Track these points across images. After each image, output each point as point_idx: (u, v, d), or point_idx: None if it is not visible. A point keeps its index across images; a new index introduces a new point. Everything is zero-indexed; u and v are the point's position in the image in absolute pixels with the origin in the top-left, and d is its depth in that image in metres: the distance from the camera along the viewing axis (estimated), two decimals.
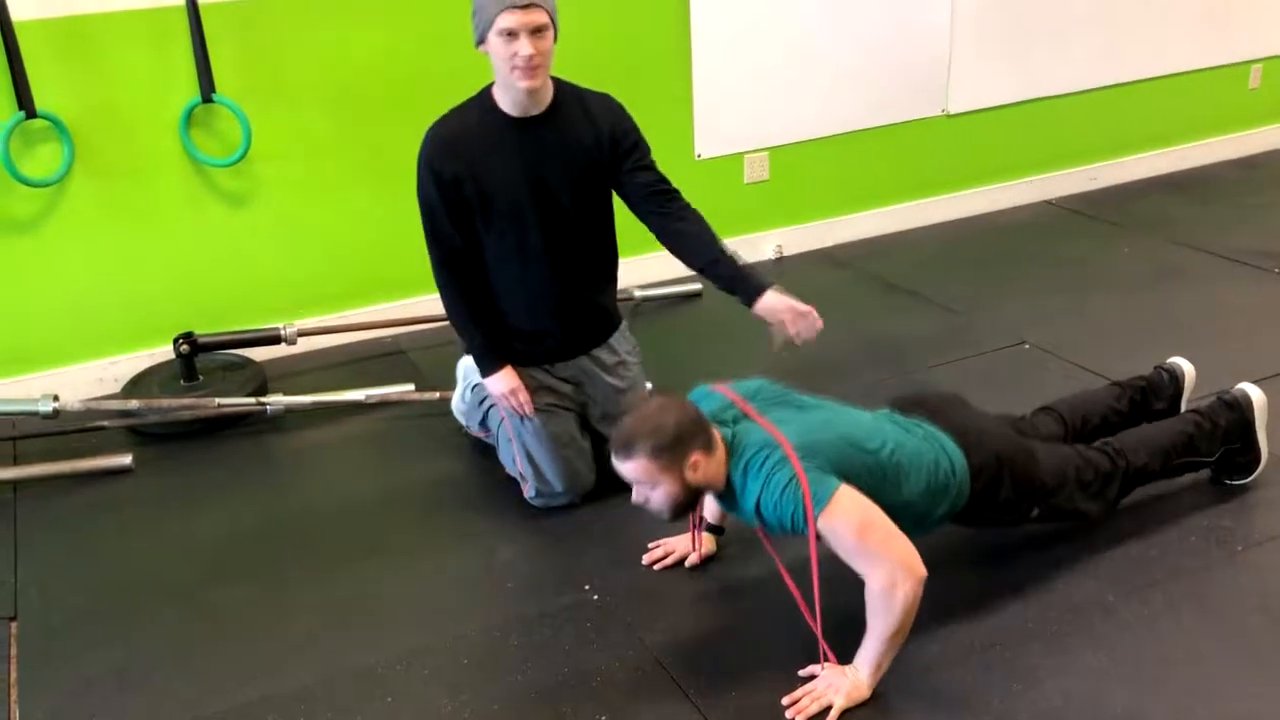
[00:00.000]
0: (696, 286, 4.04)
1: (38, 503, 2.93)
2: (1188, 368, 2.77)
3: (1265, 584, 2.36)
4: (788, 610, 2.17)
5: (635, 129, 2.70)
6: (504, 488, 2.85)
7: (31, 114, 3.18)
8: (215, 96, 3.37)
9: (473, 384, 2.98)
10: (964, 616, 2.28)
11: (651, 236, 2.74)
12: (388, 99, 3.62)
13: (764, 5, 4.08)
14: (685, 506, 2.14)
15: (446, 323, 2.87)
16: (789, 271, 4.29)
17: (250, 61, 3.44)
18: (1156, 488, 2.58)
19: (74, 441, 3.20)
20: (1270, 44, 5.24)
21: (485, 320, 2.72)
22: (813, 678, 2.12)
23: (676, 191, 2.73)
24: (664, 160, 2.75)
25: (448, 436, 3.15)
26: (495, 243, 2.66)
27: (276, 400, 3.27)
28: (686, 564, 2.51)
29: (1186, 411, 2.69)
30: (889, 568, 1.98)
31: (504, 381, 2.70)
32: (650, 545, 2.57)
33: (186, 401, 3.22)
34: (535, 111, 2.58)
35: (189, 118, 3.40)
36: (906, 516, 2.11)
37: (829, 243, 4.52)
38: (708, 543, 2.52)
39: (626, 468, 2.08)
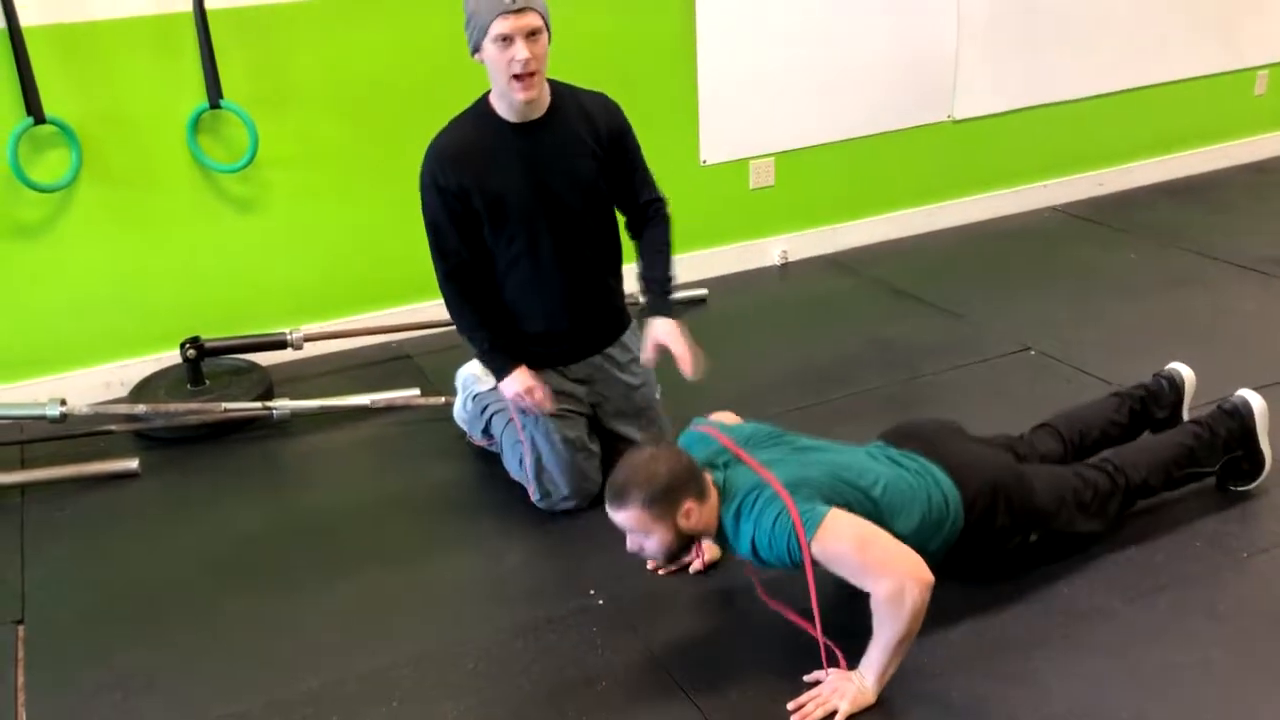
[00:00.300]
0: (701, 292, 4.04)
1: (45, 506, 2.94)
2: (1187, 374, 2.77)
3: (1271, 590, 2.36)
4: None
5: (629, 127, 2.71)
6: (510, 492, 2.86)
7: (40, 120, 3.20)
8: (223, 102, 3.38)
9: (473, 394, 2.99)
10: (969, 622, 2.28)
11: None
12: (395, 104, 3.63)
13: (769, 11, 4.08)
14: (679, 553, 2.21)
15: (452, 327, 2.88)
16: (794, 277, 4.28)
17: (258, 67, 3.45)
18: (1161, 494, 2.58)
19: (81, 445, 3.21)
20: (1276, 51, 5.24)
21: (495, 325, 2.72)
22: (818, 683, 2.12)
23: (660, 198, 2.78)
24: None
25: (453, 441, 3.16)
26: (505, 249, 2.66)
27: (283, 405, 3.28)
28: (691, 569, 2.51)
29: (1186, 423, 2.67)
30: (897, 578, 1.98)
31: (519, 380, 2.68)
32: None
33: (193, 406, 3.23)
34: (534, 116, 2.59)
35: (196, 124, 3.41)
36: None
37: (835, 249, 4.51)
38: (711, 548, 2.52)
39: (620, 517, 2.11)
